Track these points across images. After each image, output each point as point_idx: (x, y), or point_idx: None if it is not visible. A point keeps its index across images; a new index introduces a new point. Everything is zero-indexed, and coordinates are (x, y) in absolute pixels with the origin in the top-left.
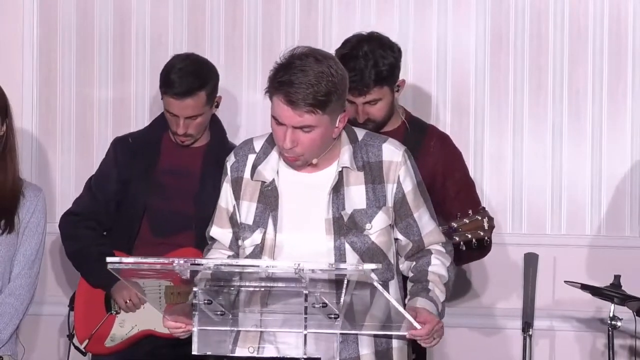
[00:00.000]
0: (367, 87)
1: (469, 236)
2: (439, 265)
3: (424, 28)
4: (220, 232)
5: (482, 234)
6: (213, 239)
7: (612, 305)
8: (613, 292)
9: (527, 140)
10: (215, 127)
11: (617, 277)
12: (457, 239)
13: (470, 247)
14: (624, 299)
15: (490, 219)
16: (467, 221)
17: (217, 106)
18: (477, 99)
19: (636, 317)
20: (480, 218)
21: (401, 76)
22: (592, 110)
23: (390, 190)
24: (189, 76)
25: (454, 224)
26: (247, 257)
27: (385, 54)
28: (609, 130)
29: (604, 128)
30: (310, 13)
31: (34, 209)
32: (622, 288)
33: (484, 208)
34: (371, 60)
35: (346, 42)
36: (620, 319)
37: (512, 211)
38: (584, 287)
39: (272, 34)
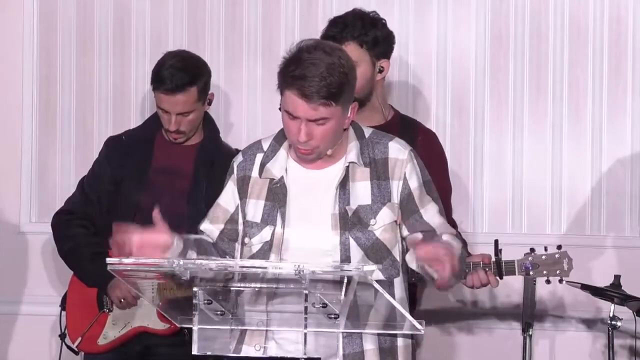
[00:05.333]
0: (345, 39)
1: (545, 272)
2: (450, 240)
3: (424, 28)
4: (210, 228)
5: (558, 272)
6: (202, 233)
7: (612, 305)
8: (613, 292)
9: (527, 140)
10: (209, 125)
11: (617, 277)
12: (532, 273)
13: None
14: (624, 299)
15: (570, 260)
16: (544, 257)
17: (209, 103)
18: (477, 99)
19: (636, 317)
20: (559, 257)
21: (401, 75)
22: (592, 110)
23: (396, 187)
24: (180, 72)
25: (530, 258)
26: (254, 254)
27: (374, 24)
28: (609, 130)
29: (604, 128)
30: (310, 13)
31: None
32: (622, 288)
33: (560, 246)
34: (359, 22)
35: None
36: (620, 319)
37: (512, 211)
38: (584, 287)
39: (272, 34)
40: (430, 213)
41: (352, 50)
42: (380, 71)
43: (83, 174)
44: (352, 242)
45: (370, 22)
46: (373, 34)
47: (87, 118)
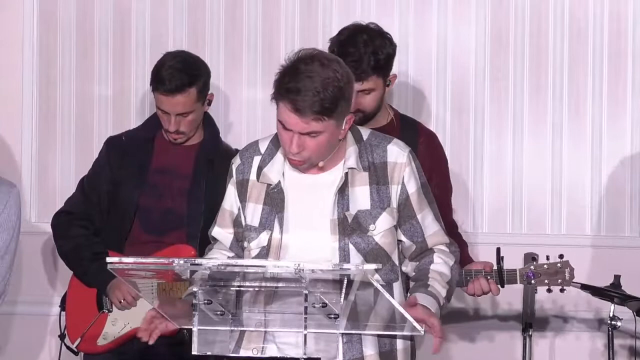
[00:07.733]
0: (365, 73)
1: (546, 281)
2: (441, 264)
3: (424, 28)
4: (222, 233)
5: (560, 281)
6: (215, 239)
7: (612, 305)
8: (613, 292)
9: (527, 140)
10: (209, 125)
11: (617, 277)
12: (533, 282)
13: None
14: (624, 299)
15: (572, 270)
16: (546, 267)
17: (209, 104)
18: (477, 99)
19: (636, 317)
20: (560, 267)
21: (401, 75)
22: (592, 110)
23: (395, 191)
24: (179, 73)
25: (532, 267)
26: (252, 258)
27: (384, 44)
28: (609, 130)
29: (604, 128)
30: (310, 13)
31: (5, 204)
32: (622, 288)
33: (562, 256)
34: (370, 47)
35: (344, 30)
36: (620, 319)
37: (512, 211)
38: (584, 287)
39: (272, 34)
40: (428, 220)
41: (370, 84)
42: (388, 84)
43: (83, 174)
44: (351, 248)
45: (379, 44)
46: (383, 58)
47: (87, 118)
